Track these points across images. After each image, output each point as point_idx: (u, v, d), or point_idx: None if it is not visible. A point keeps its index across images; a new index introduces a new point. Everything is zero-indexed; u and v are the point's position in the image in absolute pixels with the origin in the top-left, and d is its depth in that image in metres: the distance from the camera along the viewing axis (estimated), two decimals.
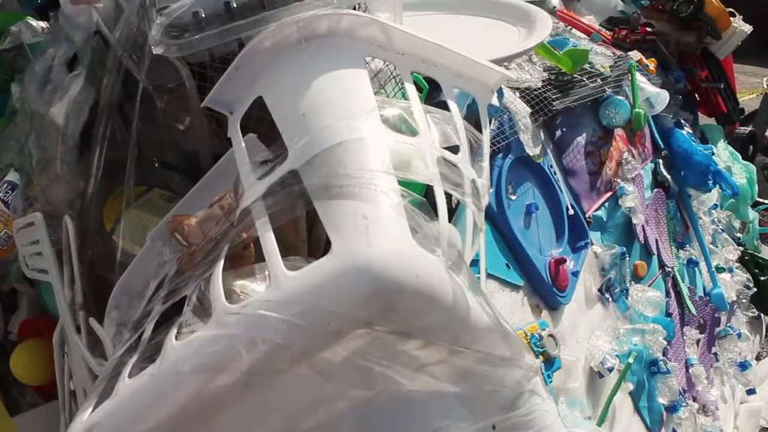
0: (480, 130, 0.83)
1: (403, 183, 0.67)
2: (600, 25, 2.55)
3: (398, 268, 0.61)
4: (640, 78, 2.20)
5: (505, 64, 1.59)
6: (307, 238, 0.79)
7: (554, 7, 2.52)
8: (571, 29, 2.38)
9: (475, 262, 0.84)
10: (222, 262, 0.70)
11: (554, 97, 1.75)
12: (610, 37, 2.43)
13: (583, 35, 2.39)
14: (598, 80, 1.95)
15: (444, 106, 0.81)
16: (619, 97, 1.99)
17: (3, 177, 1.22)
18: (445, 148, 0.74)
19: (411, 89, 0.77)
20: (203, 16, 0.78)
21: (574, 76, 1.88)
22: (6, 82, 1.28)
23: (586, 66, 1.94)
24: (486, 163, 0.80)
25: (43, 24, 1.23)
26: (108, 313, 0.94)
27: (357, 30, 0.79)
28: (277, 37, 0.77)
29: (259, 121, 0.79)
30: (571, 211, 1.69)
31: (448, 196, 0.70)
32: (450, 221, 0.69)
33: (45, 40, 1.17)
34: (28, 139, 1.08)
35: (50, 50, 1.07)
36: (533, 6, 1.72)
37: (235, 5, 0.78)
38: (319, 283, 0.62)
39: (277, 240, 0.66)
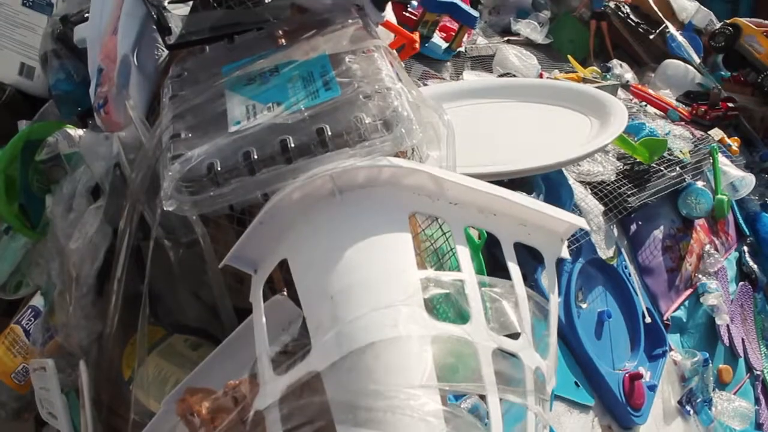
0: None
1: None
2: (677, 99, 2.42)
3: None
4: (722, 160, 2.05)
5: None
6: None
7: (628, 81, 2.41)
8: (646, 106, 2.26)
9: None
10: None
11: (630, 192, 1.62)
12: (688, 114, 2.29)
13: (659, 112, 2.27)
14: (677, 168, 1.81)
15: None
16: (700, 186, 1.84)
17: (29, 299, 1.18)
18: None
19: (464, 256, 0.66)
20: (219, 169, 0.69)
21: (651, 165, 1.75)
22: (43, 192, 1.25)
23: (664, 153, 1.81)
24: (553, 338, 0.69)
25: (81, 132, 1.20)
26: None
27: (402, 179, 0.69)
28: (307, 189, 0.68)
29: (290, 284, 0.70)
30: (648, 319, 1.55)
31: None
32: None
33: (79, 153, 1.13)
34: (52, 266, 1.03)
35: (80, 169, 1.02)
36: (607, 95, 1.60)
37: (255, 157, 0.69)
38: None
39: None
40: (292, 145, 0.68)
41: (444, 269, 0.74)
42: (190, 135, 0.74)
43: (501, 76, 2.10)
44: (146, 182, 0.80)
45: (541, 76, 1.97)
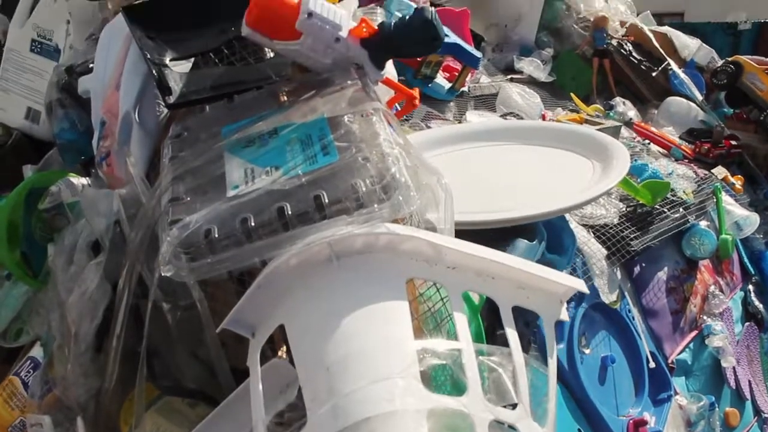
0: None
1: None
2: (680, 137, 2.42)
3: None
4: (726, 200, 2.05)
5: None
6: None
7: (631, 119, 2.41)
8: (649, 144, 2.26)
9: None
10: None
11: (633, 236, 1.61)
12: (691, 152, 2.29)
13: (662, 150, 2.27)
14: (681, 209, 1.81)
15: None
16: (704, 228, 1.83)
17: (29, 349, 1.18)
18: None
19: (462, 324, 0.66)
20: (216, 236, 0.69)
21: (655, 207, 1.75)
22: (45, 241, 1.26)
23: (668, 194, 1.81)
24: (552, 403, 0.68)
25: (84, 181, 1.21)
26: None
27: (399, 244, 0.69)
28: (304, 256, 0.68)
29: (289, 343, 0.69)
30: (652, 364, 1.53)
31: None
32: None
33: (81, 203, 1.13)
34: (52, 317, 1.03)
35: (81, 221, 1.03)
36: (609, 138, 1.60)
37: (253, 224, 0.69)
38: None
39: None
40: (290, 212, 0.68)
41: (442, 333, 0.74)
42: (188, 198, 0.74)
43: (504, 115, 2.11)
44: (145, 242, 0.81)
45: (543, 117, 1.97)
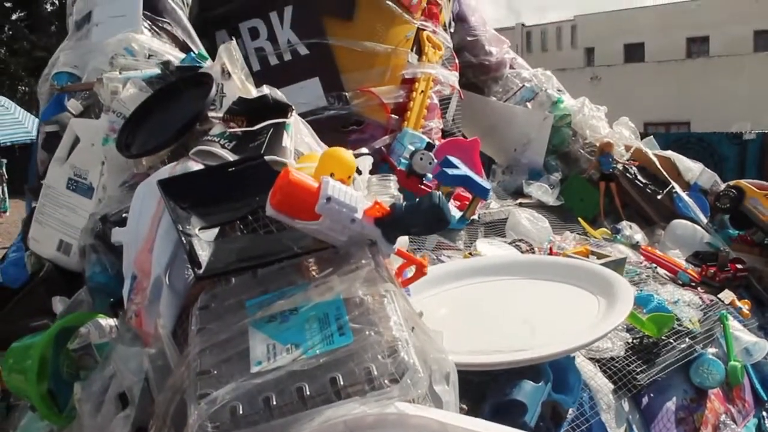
0: None
1: None
2: (686, 260, 2.47)
3: None
4: (734, 325, 2.08)
5: None
6: None
7: (638, 242, 2.48)
8: (656, 268, 2.32)
9: None
10: None
11: (639, 369, 1.65)
12: (698, 276, 2.34)
13: (669, 274, 2.32)
14: (687, 339, 1.84)
15: None
16: (711, 356, 1.86)
17: None
18: None
19: None
20: (241, 413, 0.76)
21: (661, 338, 1.78)
22: (72, 378, 1.31)
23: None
24: None
25: (112, 323, 1.27)
26: None
27: (408, 419, 0.75)
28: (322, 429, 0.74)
29: None
30: None
31: None
32: None
33: (110, 344, 1.20)
34: None
35: (109, 368, 1.09)
36: (614, 274, 1.67)
37: (275, 403, 0.75)
38: None
39: None
40: (308, 392, 0.75)
41: None
42: (215, 372, 0.81)
43: (513, 242, 2.19)
44: (172, 406, 0.87)
45: (551, 250, 2.04)
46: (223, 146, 1.18)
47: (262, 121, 1.21)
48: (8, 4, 18.95)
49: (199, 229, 1.01)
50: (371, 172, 1.33)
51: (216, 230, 1.05)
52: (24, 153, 15.21)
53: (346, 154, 1.05)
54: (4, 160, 13.09)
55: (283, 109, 1.25)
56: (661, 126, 16.52)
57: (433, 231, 1.08)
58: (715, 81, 16.00)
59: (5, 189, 13.15)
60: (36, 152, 2.17)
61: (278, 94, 1.35)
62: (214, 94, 1.33)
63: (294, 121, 1.26)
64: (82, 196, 1.76)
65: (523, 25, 23.84)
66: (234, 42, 1.47)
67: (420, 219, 0.94)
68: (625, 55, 21.22)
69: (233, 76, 1.38)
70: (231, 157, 1.15)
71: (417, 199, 0.95)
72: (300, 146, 1.26)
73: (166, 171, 1.16)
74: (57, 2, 18.39)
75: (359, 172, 1.23)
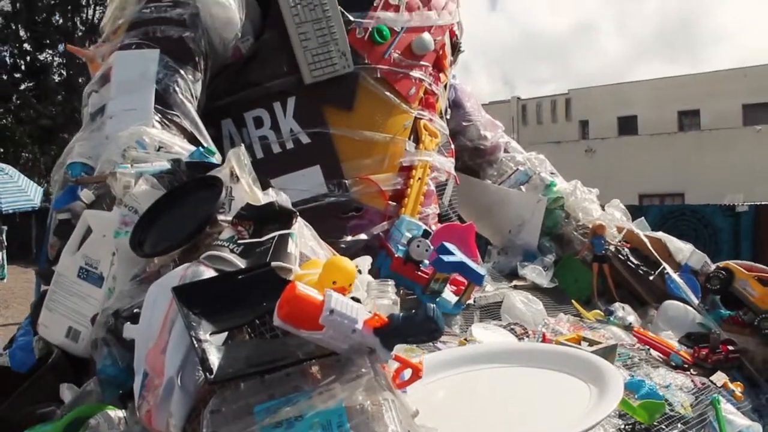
0: None
1: None
2: (679, 341, 2.52)
3: None
4: (727, 408, 2.11)
5: None
6: None
7: (630, 323, 2.54)
8: (649, 350, 2.36)
9: None
10: None
11: None
12: (690, 357, 2.38)
13: (662, 356, 2.36)
14: (679, 425, 1.88)
15: None
16: None
17: None
18: None
19: None
20: None
21: (653, 424, 1.82)
22: None
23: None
24: None
25: (121, 414, 1.32)
26: None
27: None
28: None
29: None
30: None
31: None
32: None
33: None
34: None
35: None
36: (604, 362, 1.72)
37: None
38: None
39: None
40: None
41: None
42: None
43: (509, 325, 2.24)
44: None
45: (544, 337, 2.10)
46: (232, 251, 1.26)
47: (269, 225, 1.29)
48: (18, 75, 19.40)
49: (210, 334, 1.08)
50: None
51: (226, 334, 1.12)
52: (24, 220, 15.39)
53: (347, 263, 1.13)
54: (5, 227, 13.17)
55: (288, 215, 1.34)
56: (656, 197, 16.83)
57: (427, 340, 1.14)
58: (707, 153, 16.37)
59: (4, 256, 13.20)
60: (47, 235, 2.25)
61: (283, 197, 1.43)
62: (224, 197, 1.42)
63: (298, 227, 1.34)
64: (93, 285, 1.82)
65: (518, 98, 24.34)
66: (243, 148, 1.56)
67: (415, 330, 1.01)
68: (619, 127, 21.70)
69: (241, 180, 1.47)
70: (240, 262, 1.23)
71: (413, 311, 1.02)
72: (303, 249, 1.34)
73: (178, 274, 1.24)
74: (64, 73, 18.82)
75: (359, 271, 1.30)
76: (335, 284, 1.10)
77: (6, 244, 13.27)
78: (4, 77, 18.89)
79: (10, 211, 12.84)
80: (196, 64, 2.22)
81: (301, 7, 2.42)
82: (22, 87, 19.33)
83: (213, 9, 2.24)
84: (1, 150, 19.70)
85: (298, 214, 1.36)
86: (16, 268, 13.61)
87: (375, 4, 2.53)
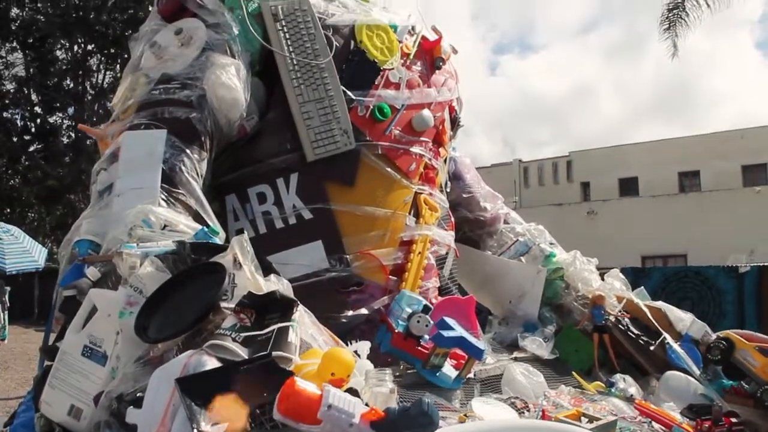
0: None
1: None
2: (681, 413, 2.51)
3: None
4: None
5: None
6: None
7: (632, 395, 2.53)
8: (651, 423, 2.35)
9: None
10: None
11: None
12: (693, 430, 2.37)
13: (664, 429, 2.35)
14: None
15: None
16: None
17: None
18: None
19: None
20: None
21: None
22: None
23: None
24: None
25: None
26: None
27: None
28: None
29: None
30: None
31: None
32: None
33: None
34: None
35: None
36: None
37: None
38: None
39: None
40: None
41: None
42: None
43: (509, 399, 2.24)
44: None
45: (543, 413, 2.10)
46: (234, 339, 1.30)
47: (270, 314, 1.33)
48: (27, 137, 19.70)
49: (212, 426, 1.11)
50: None
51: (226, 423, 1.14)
52: (27, 280, 15.40)
53: (345, 354, 1.17)
54: (8, 288, 13.18)
55: (288, 304, 1.37)
56: (659, 259, 16.85)
57: None
58: (708, 214, 16.45)
59: (6, 317, 13.17)
60: (52, 312, 2.28)
61: (285, 283, 1.47)
62: (227, 284, 1.46)
63: (299, 315, 1.38)
64: (96, 363, 1.85)
65: (520, 161, 24.56)
66: (245, 235, 1.61)
67: (411, 423, 1.04)
68: (620, 189, 21.84)
69: (244, 267, 1.51)
70: (242, 351, 1.27)
71: (408, 405, 1.05)
72: (303, 335, 1.37)
73: (182, 362, 1.27)
74: (73, 135, 19.11)
75: (358, 355, 1.33)
76: (333, 376, 1.13)
77: (9, 305, 13.24)
78: (14, 139, 19.19)
79: (14, 272, 12.85)
80: (202, 143, 2.29)
81: (304, 87, 2.51)
82: (31, 149, 19.61)
83: (219, 91, 2.32)
84: (8, 210, 19.87)
85: (299, 303, 1.40)
86: (16, 328, 13.57)
87: (376, 83, 2.61)
